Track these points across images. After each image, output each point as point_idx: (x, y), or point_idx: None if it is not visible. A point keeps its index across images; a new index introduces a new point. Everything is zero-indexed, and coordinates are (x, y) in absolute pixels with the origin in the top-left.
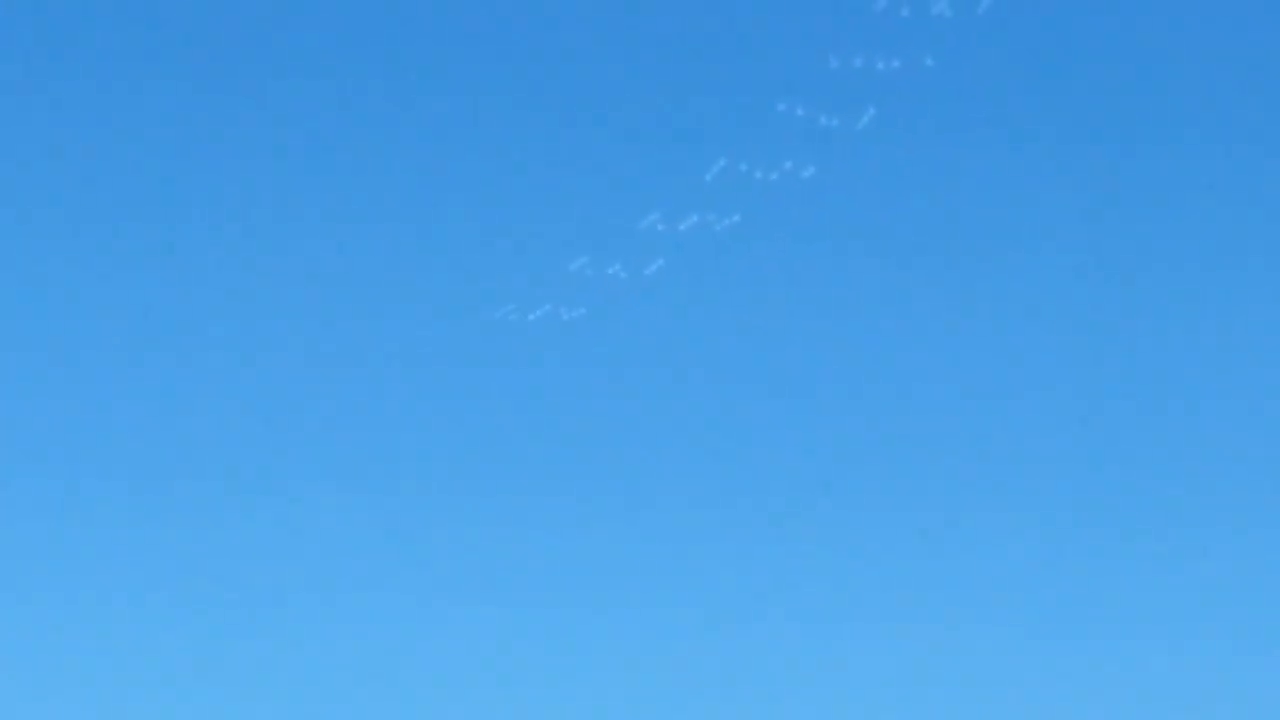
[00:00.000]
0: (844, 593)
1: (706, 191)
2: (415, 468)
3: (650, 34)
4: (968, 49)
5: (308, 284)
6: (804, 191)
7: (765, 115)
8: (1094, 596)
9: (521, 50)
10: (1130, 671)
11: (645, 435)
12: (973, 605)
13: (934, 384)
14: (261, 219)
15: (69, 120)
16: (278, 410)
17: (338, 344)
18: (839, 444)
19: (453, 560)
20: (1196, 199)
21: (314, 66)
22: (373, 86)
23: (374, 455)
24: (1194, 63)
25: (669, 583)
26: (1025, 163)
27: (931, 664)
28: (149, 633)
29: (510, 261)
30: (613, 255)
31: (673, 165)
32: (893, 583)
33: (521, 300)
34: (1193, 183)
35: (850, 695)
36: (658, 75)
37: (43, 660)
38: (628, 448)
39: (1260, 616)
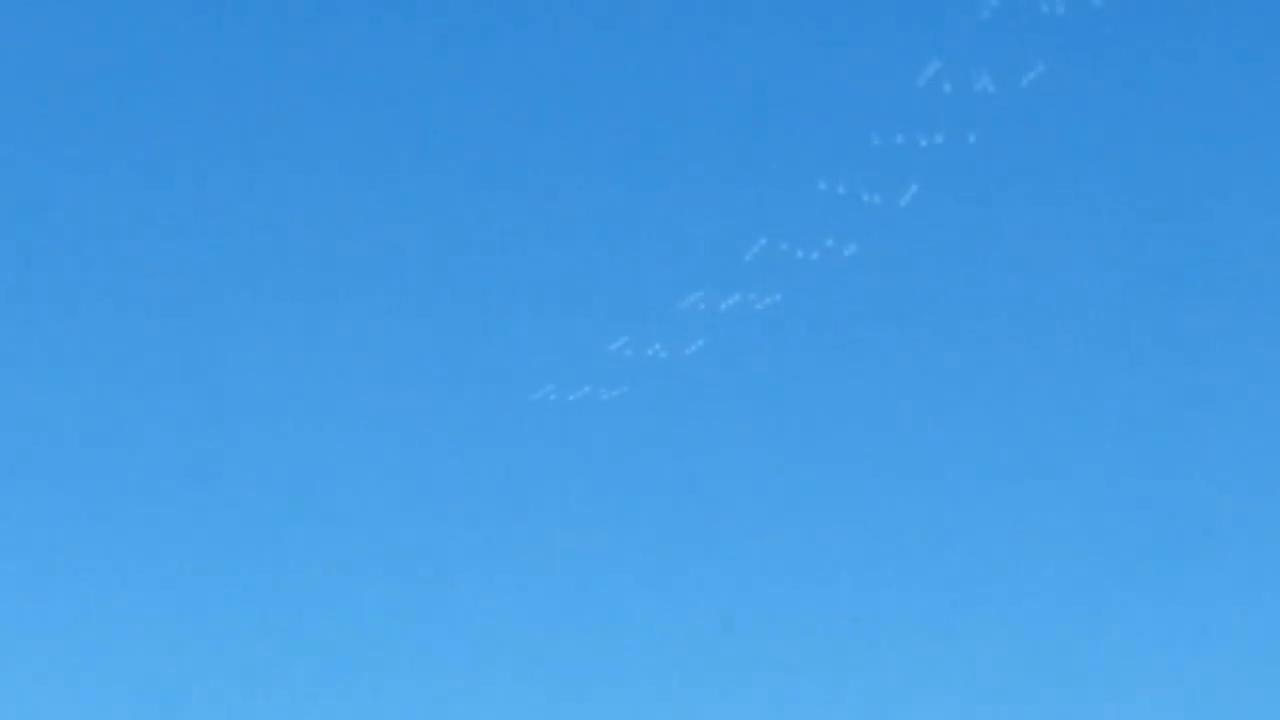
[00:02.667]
0: (879, 671)
1: (747, 271)
2: (455, 547)
3: (691, 114)
4: (1010, 125)
5: (350, 362)
6: (846, 270)
7: (806, 193)
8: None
9: (564, 130)
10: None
11: (686, 515)
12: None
13: (975, 462)
14: (305, 293)
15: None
16: (317, 488)
17: (378, 422)
18: (880, 522)
19: (490, 641)
20: (1242, 276)
21: (354, 154)
22: (416, 168)
23: (415, 535)
24: (1242, 139)
25: (708, 658)
26: (1068, 238)
27: None
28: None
29: (551, 341)
30: (653, 335)
31: (714, 245)
32: (926, 668)
33: (561, 380)
34: (1237, 260)
35: None
36: (699, 155)
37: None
38: (668, 528)
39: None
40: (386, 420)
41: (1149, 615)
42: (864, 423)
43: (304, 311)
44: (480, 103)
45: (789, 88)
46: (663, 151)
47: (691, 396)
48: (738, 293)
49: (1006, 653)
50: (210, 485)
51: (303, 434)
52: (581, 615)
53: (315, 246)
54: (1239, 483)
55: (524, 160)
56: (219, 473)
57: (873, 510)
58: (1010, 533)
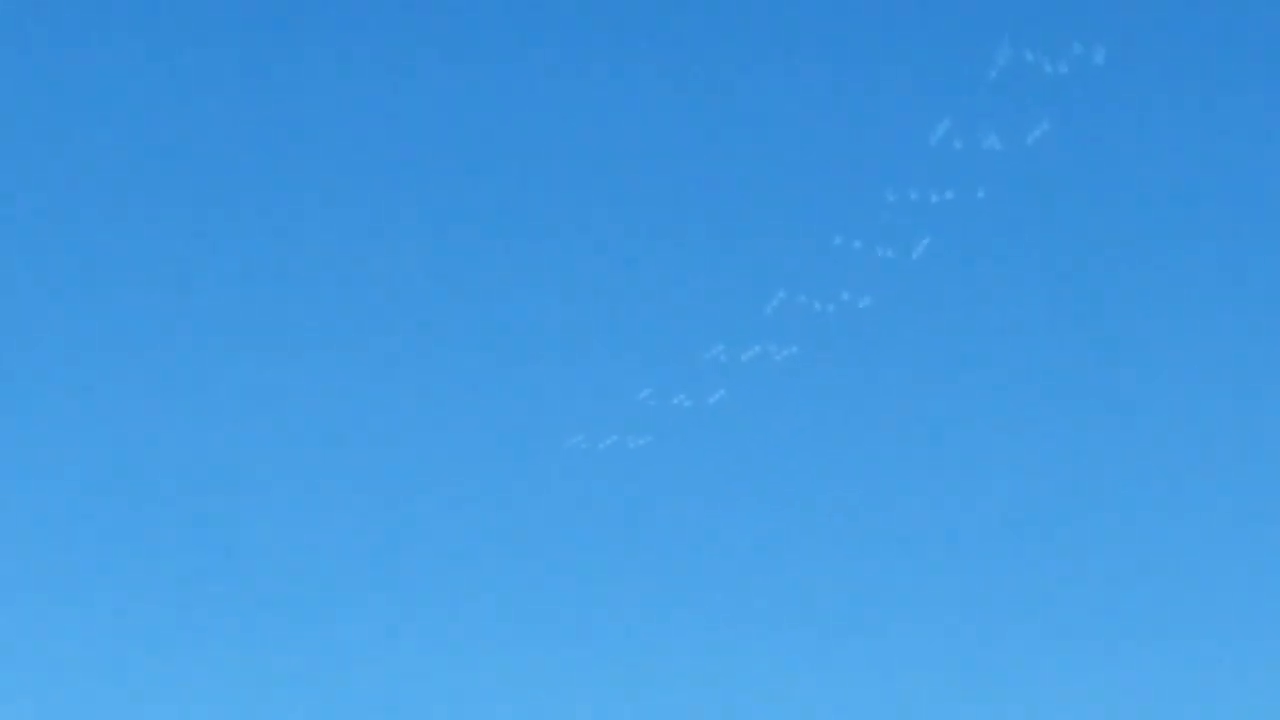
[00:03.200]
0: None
1: (767, 323)
2: (487, 595)
3: (712, 171)
4: (1017, 180)
5: (385, 409)
6: (861, 321)
7: (823, 248)
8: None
9: (592, 187)
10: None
11: (711, 561)
12: None
13: (992, 510)
14: (341, 342)
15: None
16: (350, 540)
17: (413, 470)
18: (896, 569)
19: (519, 683)
20: (1247, 323)
21: (390, 207)
22: (452, 222)
23: (446, 582)
24: (1242, 192)
25: (731, 700)
26: (1076, 290)
27: None
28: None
29: (581, 392)
30: (677, 385)
31: (734, 298)
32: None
33: (591, 430)
34: (1241, 306)
35: None
36: (720, 212)
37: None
38: (696, 575)
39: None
40: (421, 468)
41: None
42: (880, 469)
43: (338, 360)
44: (514, 159)
45: (806, 146)
46: (685, 208)
47: (715, 444)
48: (758, 344)
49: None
50: (236, 559)
51: (337, 482)
52: (613, 657)
53: (352, 296)
54: (1240, 564)
55: (555, 218)
56: (244, 549)
57: (888, 553)
58: (1032, 576)
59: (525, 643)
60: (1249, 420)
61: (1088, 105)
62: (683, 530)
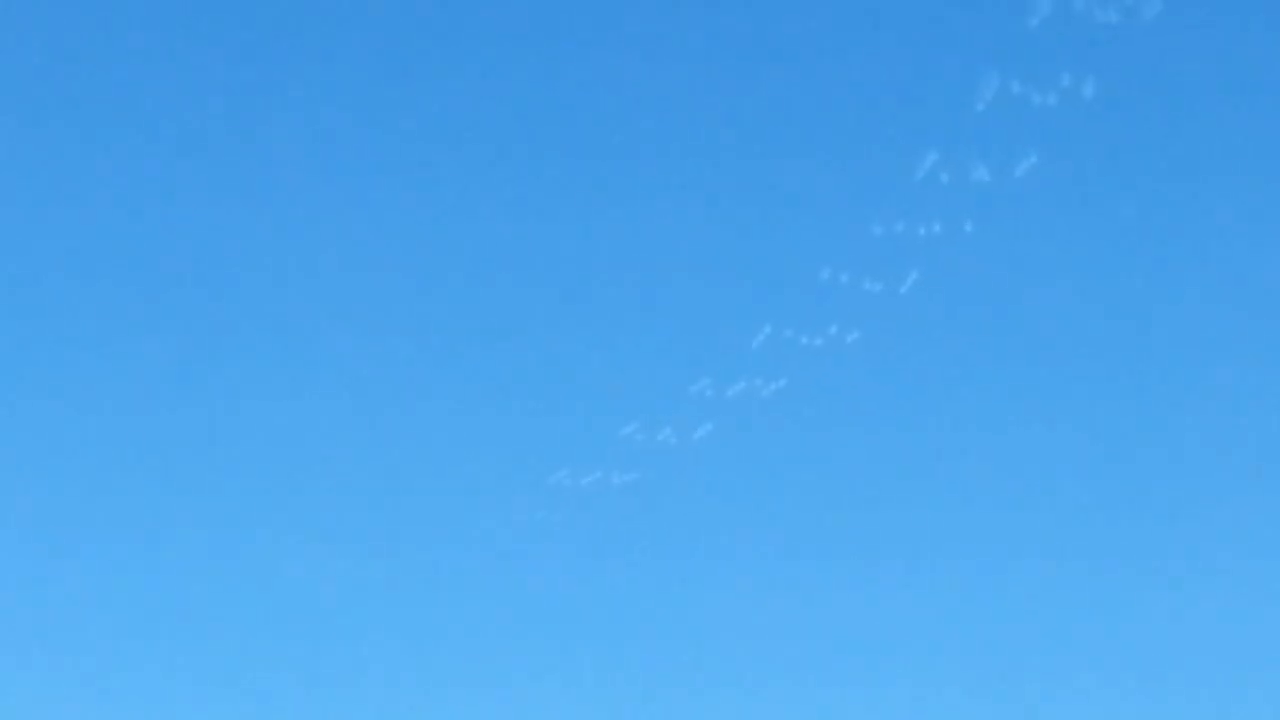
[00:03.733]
0: None
1: (754, 358)
2: (471, 630)
3: (699, 206)
4: (1005, 213)
5: (374, 448)
6: (849, 355)
7: (810, 282)
8: None
9: (580, 224)
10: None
11: (698, 596)
12: None
13: (982, 542)
14: (332, 386)
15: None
16: (337, 573)
17: (397, 509)
18: (883, 605)
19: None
20: (1235, 353)
21: (377, 248)
22: (439, 262)
23: (431, 615)
24: (1231, 226)
25: None
26: (1064, 322)
27: None
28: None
29: (565, 428)
30: (663, 421)
31: (721, 332)
32: None
33: (576, 465)
34: (1231, 336)
35: None
36: (706, 246)
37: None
38: (682, 610)
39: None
40: (407, 502)
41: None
42: (867, 504)
43: (324, 393)
44: (502, 196)
45: (793, 179)
46: (672, 243)
47: (701, 480)
48: (744, 379)
49: None
50: (235, 579)
51: (324, 515)
52: (597, 691)
53: (339, 333)
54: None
55: (542, 254)
56: (242, 569)
57: (877, 587)
58: (1016, 611)
59: (510, 676)
60: (1249, 451)
61: (1077, 138)
62: (668, 566)
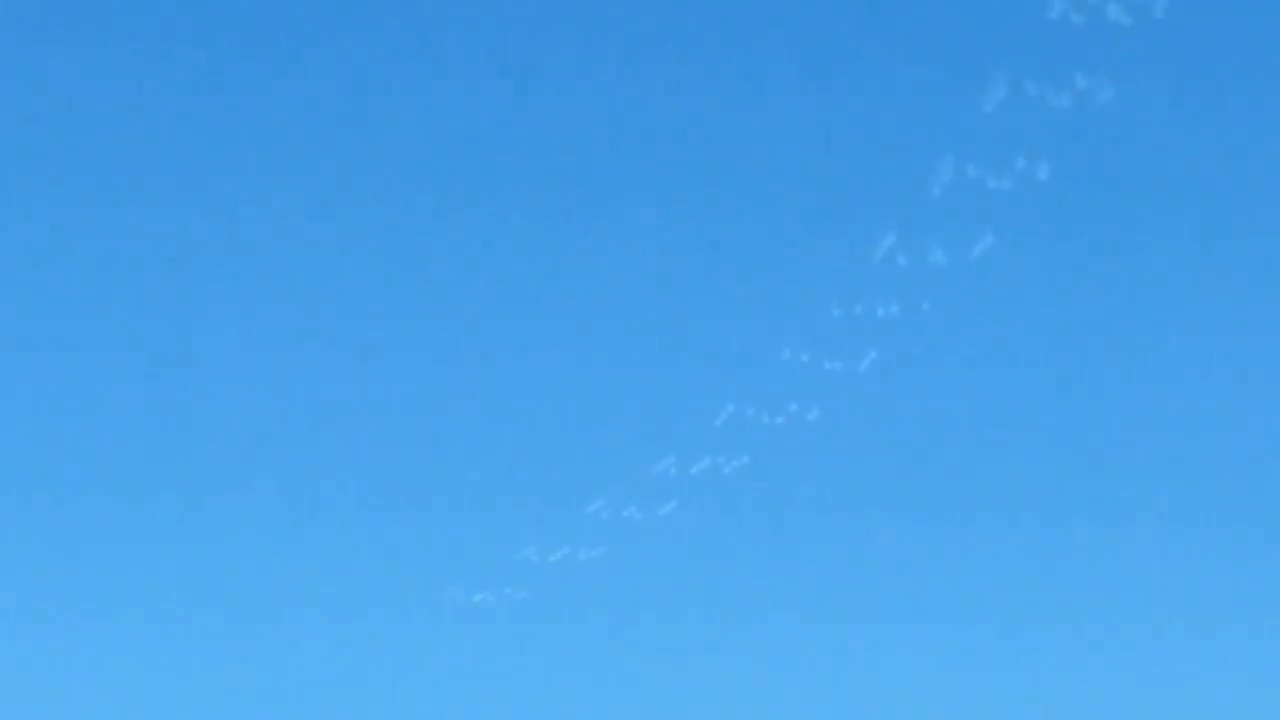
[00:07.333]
0: None
1: (717, 435)
2: (440, 708)
3: (661, 289)
4: (961, 293)
5: (341, 526)
6: (809, 433)
7: (772, 362)
8: None
9: (547, 309)
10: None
11: (665, 673)
12: None
13: (950, 613)
14: (289, 438)
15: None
16: (319, 679)
17: (362, 589)
18: (849, 678)
19: None
20: (1203, 432)
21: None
22: (406, 353)
23: (396, 700)
24: (1190, 307)
25: None
26: (1020, 401)
27: None
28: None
29: (531, 504)
30: (628, 498)
31: (684, 411)
32: None
33: (542, 542)
34: (1198, 413)
35: None
36: (668, 329)
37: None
38: (649, 686)
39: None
40: (370, 581)
41: None
42: (830, 579)
43: (288, 455)
44: (468, 288)
45: (754, 262)
46: (635, 325)
47: (666, 556)
48: (707, 456)
49: None
50: (204, 634)
51: (297, 588)
52: None
53: (312, 399)
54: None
55: (508, 335)
56: (216, 629)
57: (843, 664)
58: (1007, 675)
59: None
60: (1215, 533)
61: (1032, 219)
62: (635, 640)
